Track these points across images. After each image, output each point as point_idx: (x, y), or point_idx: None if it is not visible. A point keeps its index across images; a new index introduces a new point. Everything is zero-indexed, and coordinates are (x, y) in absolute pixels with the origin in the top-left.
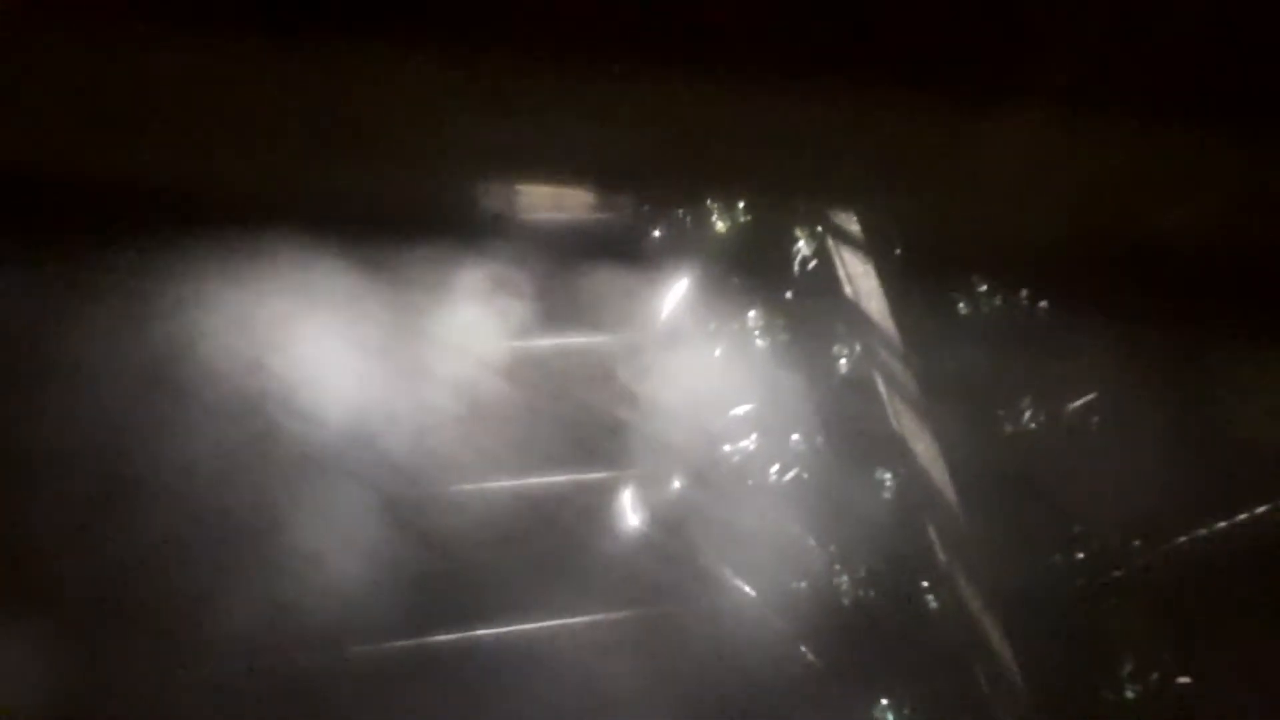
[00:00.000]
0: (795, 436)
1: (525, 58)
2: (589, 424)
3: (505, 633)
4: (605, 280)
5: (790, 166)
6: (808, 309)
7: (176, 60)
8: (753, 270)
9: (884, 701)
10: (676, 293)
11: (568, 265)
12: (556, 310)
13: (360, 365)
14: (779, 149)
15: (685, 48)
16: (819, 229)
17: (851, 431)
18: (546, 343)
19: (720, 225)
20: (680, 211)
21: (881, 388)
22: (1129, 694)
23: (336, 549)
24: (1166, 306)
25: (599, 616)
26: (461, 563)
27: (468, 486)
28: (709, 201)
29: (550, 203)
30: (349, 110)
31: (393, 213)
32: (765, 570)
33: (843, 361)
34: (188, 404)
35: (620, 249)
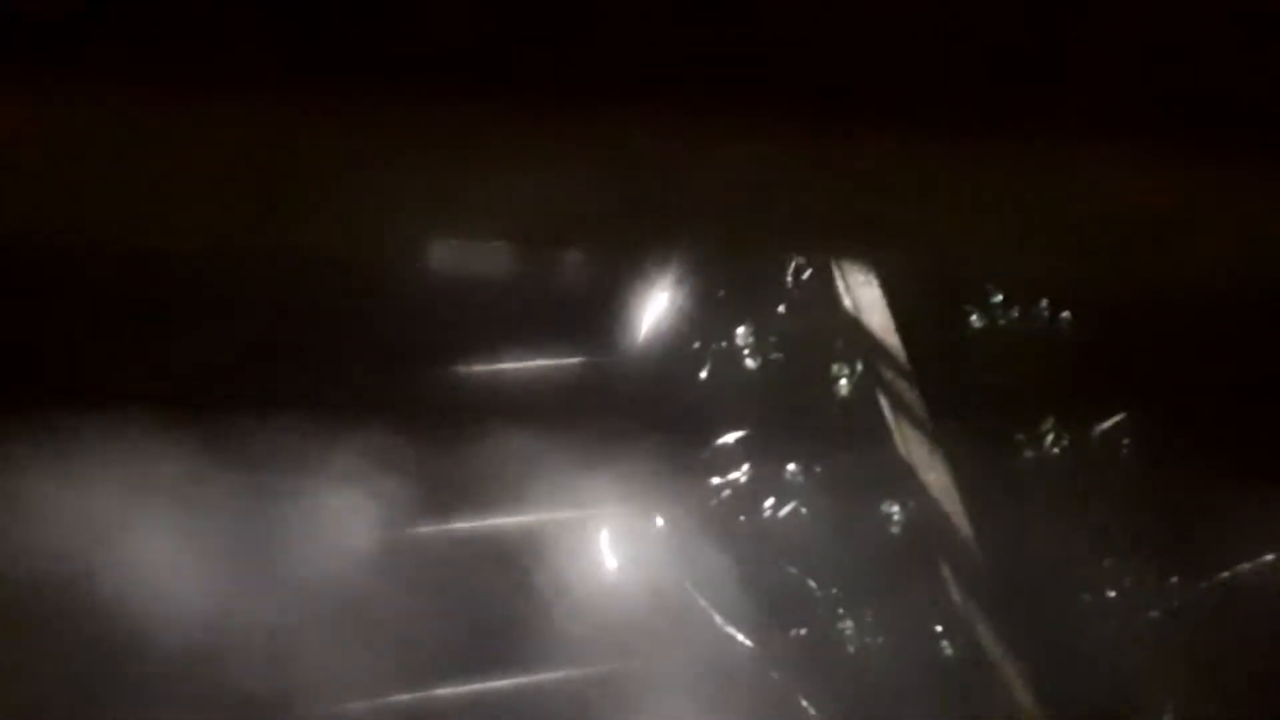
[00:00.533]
0: (791, 466)
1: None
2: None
3: (466, 691)
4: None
5: (767, 213)
6: (803, 324)
7: None
8: (741, 282)
9: None
10: (657, 308)
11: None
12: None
13: (203, 568)
14: (753, 195)
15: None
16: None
17: (854, 460)
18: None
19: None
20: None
21: (887, 410)
22: None
23: None
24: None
25: (576, 672)
26: None
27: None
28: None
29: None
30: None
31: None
32: (761, 617)
33: (843, 382)
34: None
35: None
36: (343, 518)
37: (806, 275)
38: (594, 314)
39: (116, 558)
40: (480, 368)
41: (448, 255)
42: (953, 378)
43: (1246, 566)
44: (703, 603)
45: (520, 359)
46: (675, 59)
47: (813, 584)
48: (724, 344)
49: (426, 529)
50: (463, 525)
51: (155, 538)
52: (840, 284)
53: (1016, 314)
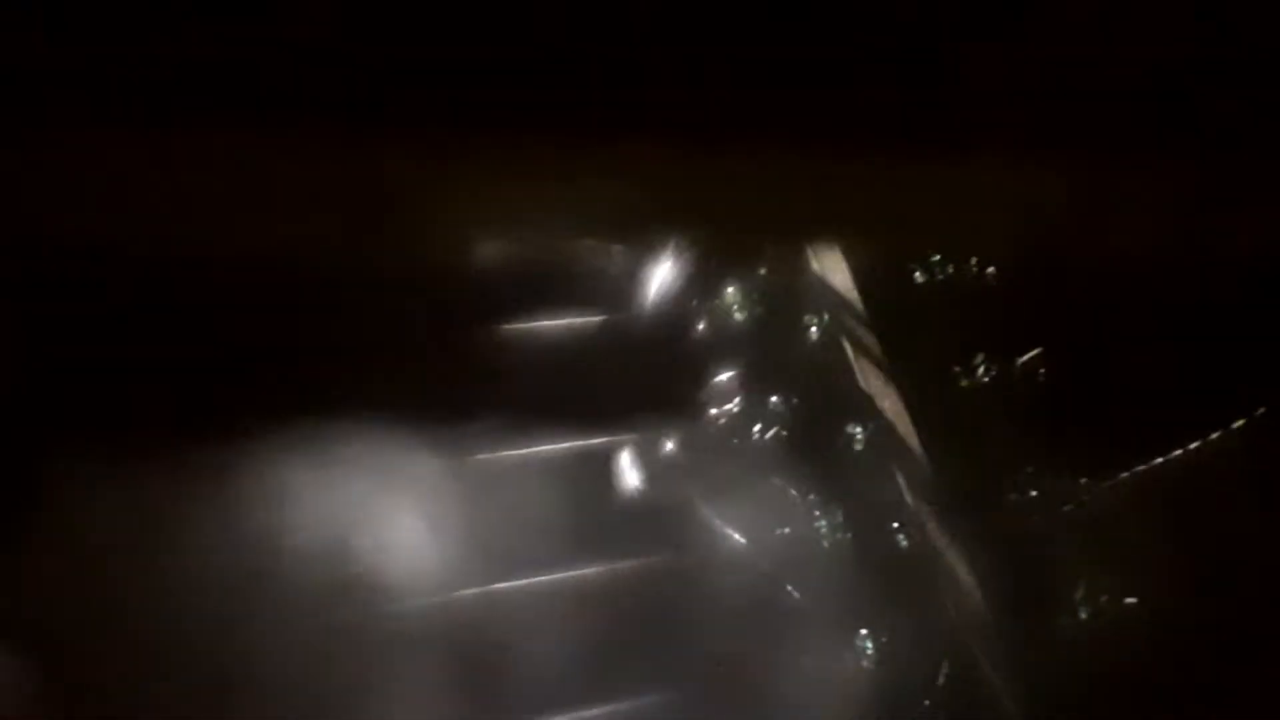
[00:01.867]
0: (774, 399)
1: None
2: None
3: (524, 584)
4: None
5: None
6: (780, 284)
7: None
8: (728, 252)
9: (863, 632)
10: (661, 276)
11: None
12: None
13: (437, 539)
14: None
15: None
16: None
17: (824, 392)
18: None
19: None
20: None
21: (849, 351)
22: (1082, 615)
23: None
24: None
25: (604, 568)
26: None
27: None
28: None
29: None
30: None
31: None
32: (752, 519)
33: (813, 330)
34: (282, 595)
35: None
36: (417, 449)
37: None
38: (612, 283)
39: (374, 535)
40: (521, 325)
41: (499, 246)
42: (902, 323)
43: (1140, 468)
44: (705, 509)
45: (554, 319)
46: (674, 102)
47: (793, 492)
48: (716, 302)
49: (484, 456)
50: (513, 452)
51: (402, 517)
52: (808, 250)
53: (951, 269)
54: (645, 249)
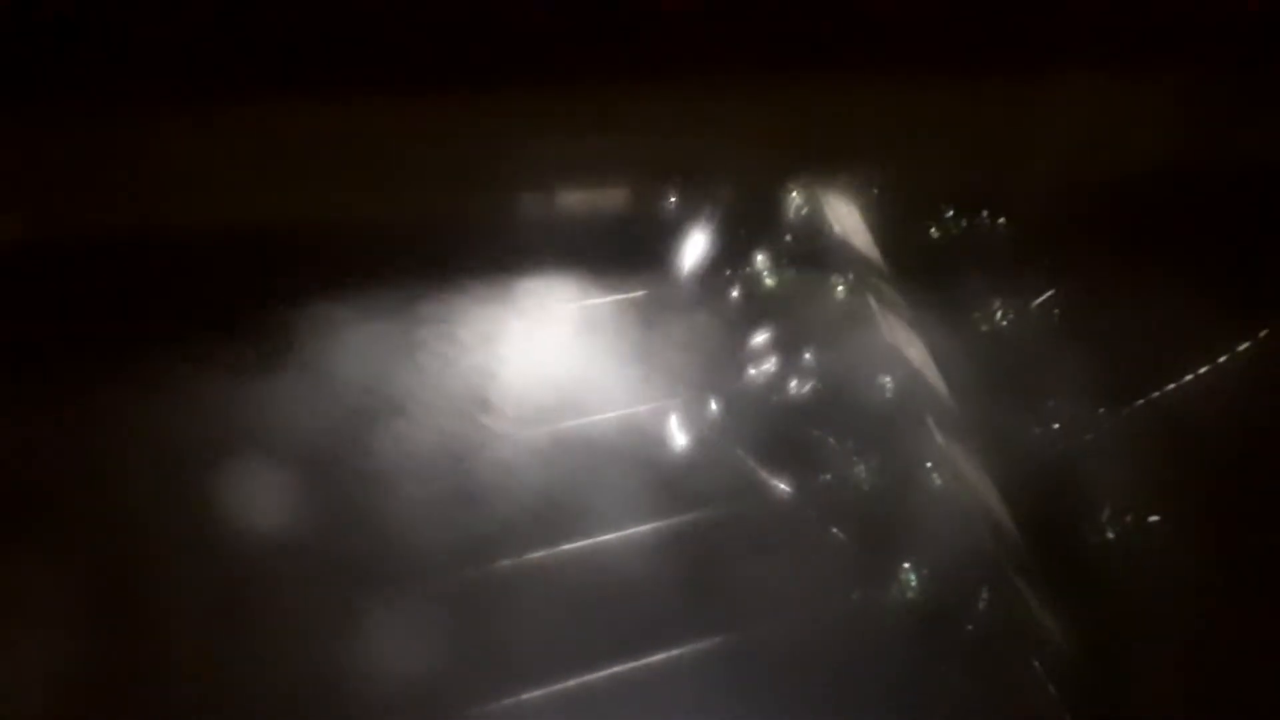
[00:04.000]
0: (807, 355)
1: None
2: None
3: (573, 549)
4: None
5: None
6: (806, 248)
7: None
8: (756, 222)
9: (905, 565)
10: (695, 249)
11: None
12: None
13: (625, 373)
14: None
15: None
16: (807, 182)
17: (854, 345)
18: None
19: (724, 192)
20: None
21: (874, 306)
22: (1109, 534)
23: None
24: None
25: (662, 523)
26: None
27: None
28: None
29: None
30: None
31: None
32: (795, 469)
33: (840, 289)
34: (500, 420)
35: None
36: (454, 423)
37: (804, 212)
38: (650, 258)
39: (570, 370)
40: (567, 304)
41: (538, 224)
42: (922, 277)
43: (1155, 394)
44: (751, 463)
45: (599, 296)
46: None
47: (832, 441)
48: (747, 269)
49: (531, 431)
50: (568, 424)
51: (586, 356)
52: (830, 215)
53: (964, 223)
54: (678, 215)
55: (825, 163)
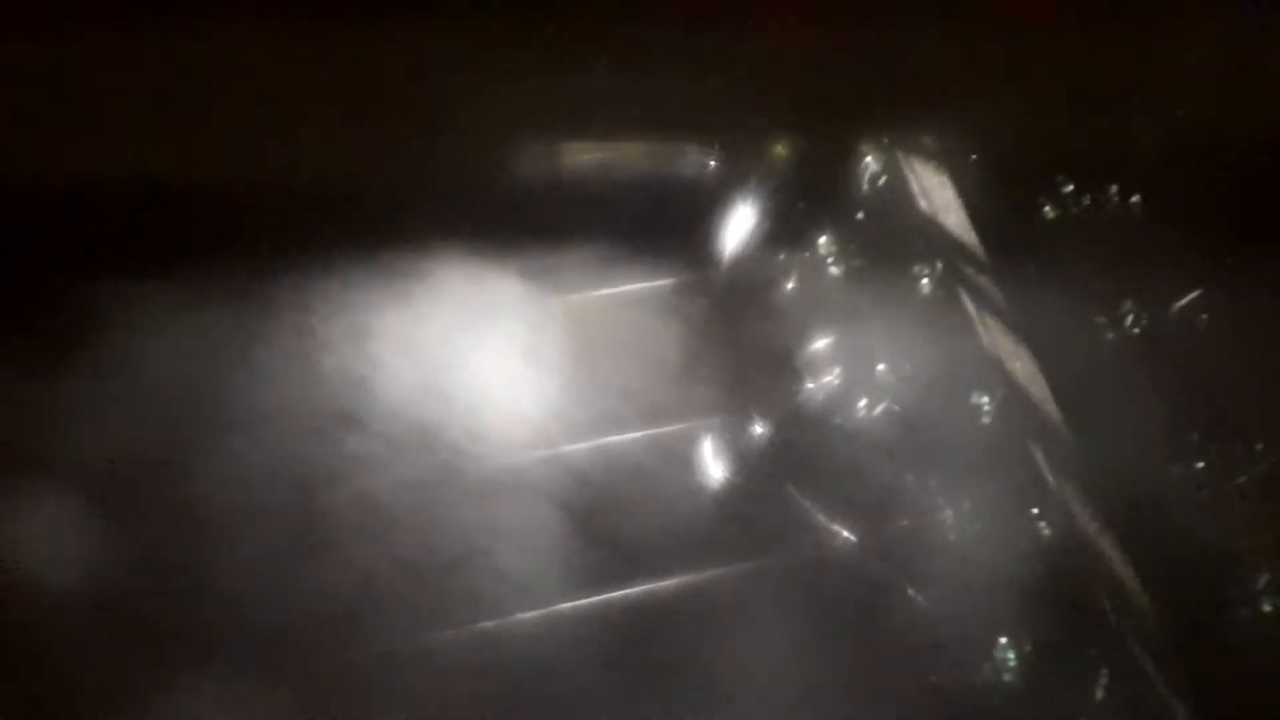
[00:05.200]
0: (881, 367)
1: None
2: None
3: (612, 598)
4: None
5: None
6: (882, 229)
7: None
8: (819, 193)
9: (1002, 640)
10: (740, 226)
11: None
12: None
13: (534, 377)
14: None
15: None
16: (885, 141)
17: (941, 356)
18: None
19: (780, 149)
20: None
21: (969, 305)
22: (1266, 608)
23: (536, 570)
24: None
25: (690, 577)
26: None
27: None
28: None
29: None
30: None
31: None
32: (862, 512)
33: (924, 281)
34: (370, 439)
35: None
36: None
37: (882, 182)
38: (682, 236)
39: (463, 374)
40: (578, 295)
41: (543, 189)
42: (1031, 268)
43: None
44: (806, 502)
45: (617, 284)
46: None
47: (910, 477)
48: (807, 254)
49: (546, 451)
50: (581, 445)
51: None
52: (915, 187)
53: (1088, 201)
54: (719, 191)
55: (907, 118)
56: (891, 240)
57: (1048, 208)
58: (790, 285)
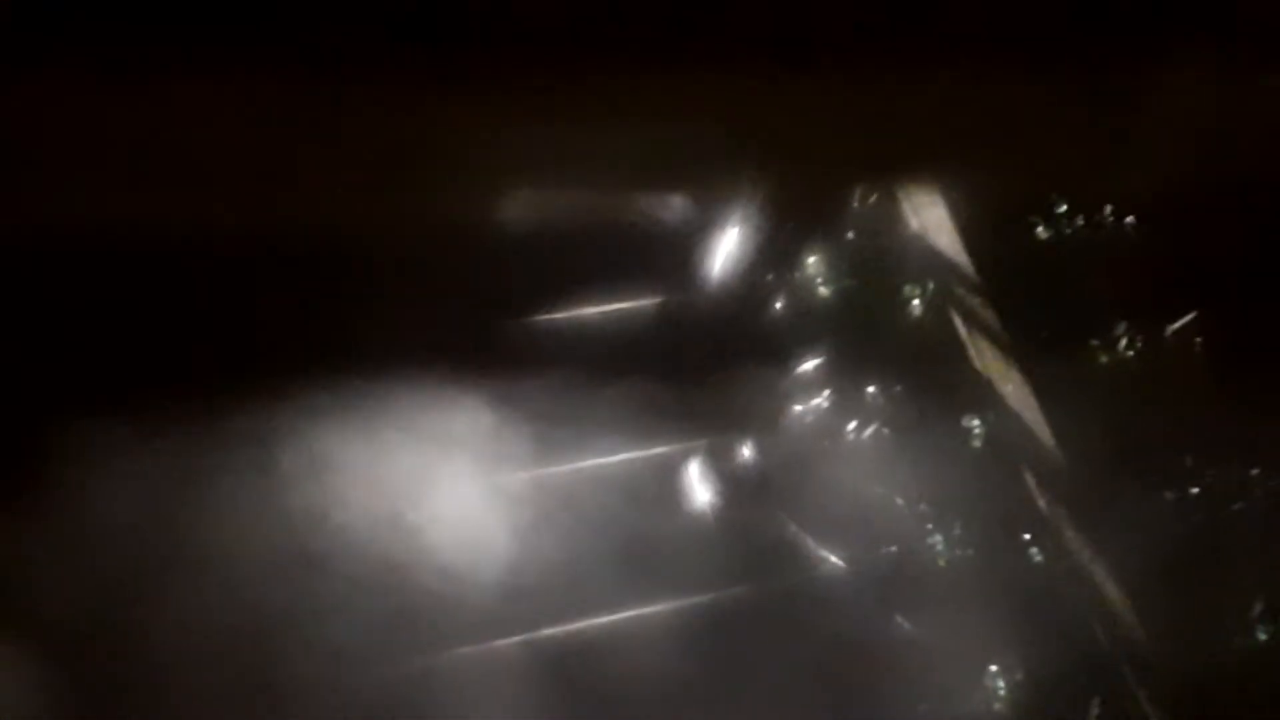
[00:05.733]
0: (871, 389)
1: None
2: None
3: (578, 628)
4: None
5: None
6: (873, 249)
7: None
8: (809, 213)
9: (993, 668)
10: (727, 243)
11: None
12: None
13: (503, 510)
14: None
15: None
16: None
17: (932, 378)
18: None
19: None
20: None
21: (960, 326)
22: (1261, 636)
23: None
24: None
25: (678, 602)
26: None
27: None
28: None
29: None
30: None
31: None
32: (851, 537)
33: (915, 303)
34: (329, 580)
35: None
36: (463, 460)
37: (872, 201)
38: (666, 255)
39: (429, 509)
40: (561, 315)
41: (525, 212)
42: (1024, 290)
43: None
44: (793, 528)
45: (599, 304)
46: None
47: (900, 501)
48: (796, 274)
49: (528, 472)
50: (560, 469)
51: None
52: (906, 206)
53: (1082, 222)
54: (710, 204)
55: (901, 166)
56: (882, 261)
57: (1040, 228)
58: (778, 306)
